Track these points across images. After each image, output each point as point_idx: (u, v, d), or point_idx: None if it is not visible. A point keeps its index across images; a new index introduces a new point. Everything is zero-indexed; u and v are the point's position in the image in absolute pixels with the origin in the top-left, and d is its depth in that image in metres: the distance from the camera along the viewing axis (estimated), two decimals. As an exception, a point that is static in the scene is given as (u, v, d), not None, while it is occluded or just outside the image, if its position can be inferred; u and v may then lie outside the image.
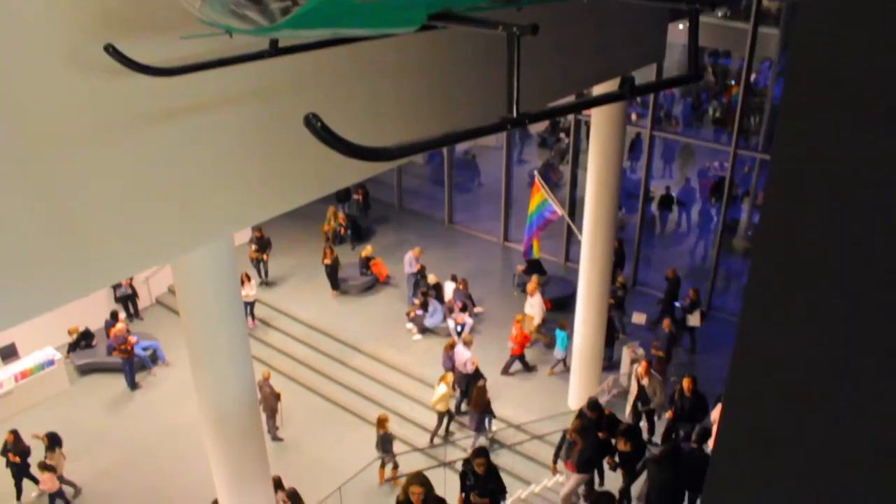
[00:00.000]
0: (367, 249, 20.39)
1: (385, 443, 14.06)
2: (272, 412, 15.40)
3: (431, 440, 15.31)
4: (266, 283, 20.23)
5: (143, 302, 20.61)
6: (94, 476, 15.33)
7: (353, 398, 16.82)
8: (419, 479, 7.64)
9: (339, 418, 16.46)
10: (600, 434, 11.27)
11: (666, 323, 15.69)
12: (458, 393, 15.58)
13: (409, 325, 18.38)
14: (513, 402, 15.71)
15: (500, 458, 14.38)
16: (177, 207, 5.77)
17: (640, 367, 13.68)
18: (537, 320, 16.98)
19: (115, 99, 5.16)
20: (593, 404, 11.64)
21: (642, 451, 11.24)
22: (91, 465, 15.47)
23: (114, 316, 18.82)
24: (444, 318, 17.87)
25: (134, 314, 20.26)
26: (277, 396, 15.51)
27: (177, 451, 15.41)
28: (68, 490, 14.70)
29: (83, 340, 18.78)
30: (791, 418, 3.12)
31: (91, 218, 5.23)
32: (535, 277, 17.43)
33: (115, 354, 17.68)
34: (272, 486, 9.72)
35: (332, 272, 19.83)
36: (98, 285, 5.76)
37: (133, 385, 17.73)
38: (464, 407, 15.50)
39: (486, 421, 14.94)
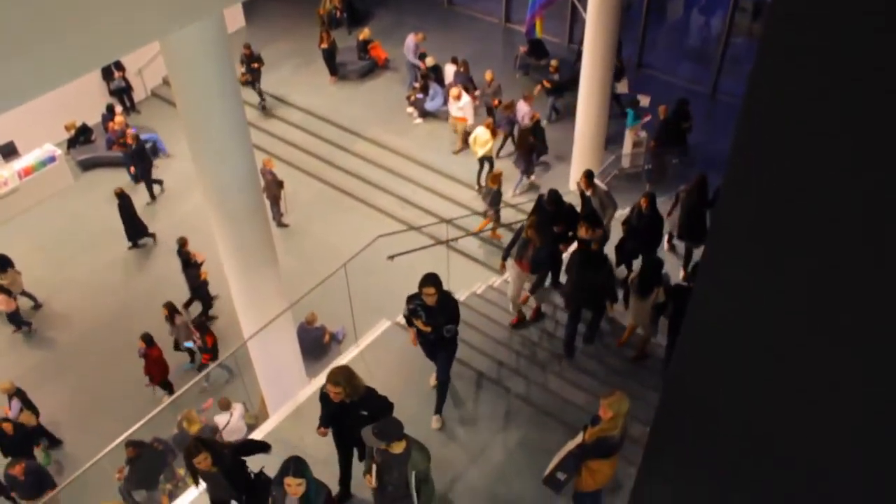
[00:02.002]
0: (364, 32, 19.73)
1: (496, 199, 14.42)
2: (275, 199, 15.50)
3: (479, 186, 15.81)
4: (262, 108, 19.01)
5: (137, 94, 20.25)
6: (104, 267, 15.71)
7: (355, 183, 16.89)
8: (334, 378, 6.57)
9: (342, 203, 16.62)
10: (556, 228, 10.14)
11: (662, 109, 15.39)
12: (499, 138, 15.99)
13: (410, 110, 18.12)
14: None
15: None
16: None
17: (581, 179, 11.67)
18: (470, 121, 16.52)
19: None
20: (553, 196, 10.61)
21: (604, 241, 10.42)
22: (100, 258, 15.82)
23: (110, 110, 18.58)
24: (445, 102, 17.56)
25: (130, 107, 19.97)
26: (280, 184, 15.54)
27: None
28: (27, 302, 14.80)
29: (82, 136, 18.64)
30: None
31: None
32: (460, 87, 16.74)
33: (115, 149, 17.62)
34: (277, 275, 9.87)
35: (330, 57, 19.29)
36: (88, 66, 5.53)
37: (136, 179, 17.76)
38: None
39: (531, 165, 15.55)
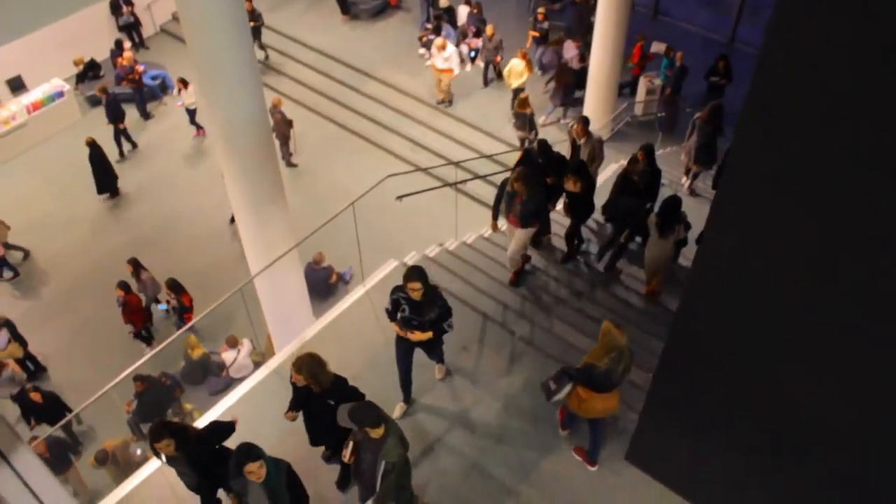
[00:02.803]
0: (376, -29, 19.43)
1: (531, 123, 14.56)
2: (284, 139, 15.40)
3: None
4: (265, 61, 18.48)
5: (146, 30, 20.06)
6: (113, 205, 15.70)
7: (365, 124, 16.75)
8: (297, 365, 6.32)
9: (351, 143, 16.50)
10: (548, 180, 9.52)
11: (678, 55, 15.16)
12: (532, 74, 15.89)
13: (422, 51, 17.89)
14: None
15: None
16: None
17: (576, 126, 10.87)
18: (457, 71, 16.29)
19: None
20: (543, 147, 10.14)
21: (592, 192, 9.96)
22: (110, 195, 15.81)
23: (118, 45, 18.40)
24: (458, 43, 17.32)
25: (139, 43, 19.80)
26: (289, 123, 15.43)
27: (193, 177, 15.64)
28: (17, 255, 14.70)
29: (90, 71, 18.51)
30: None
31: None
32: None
33: (123, 84, 17.48)
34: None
35: (342, -5, 19.05)
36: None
37: (145, 115, 17.71)
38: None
39: (564, 105, 15.77)
